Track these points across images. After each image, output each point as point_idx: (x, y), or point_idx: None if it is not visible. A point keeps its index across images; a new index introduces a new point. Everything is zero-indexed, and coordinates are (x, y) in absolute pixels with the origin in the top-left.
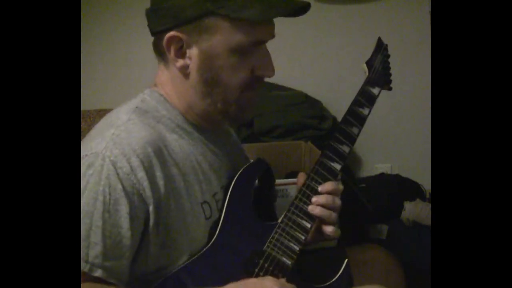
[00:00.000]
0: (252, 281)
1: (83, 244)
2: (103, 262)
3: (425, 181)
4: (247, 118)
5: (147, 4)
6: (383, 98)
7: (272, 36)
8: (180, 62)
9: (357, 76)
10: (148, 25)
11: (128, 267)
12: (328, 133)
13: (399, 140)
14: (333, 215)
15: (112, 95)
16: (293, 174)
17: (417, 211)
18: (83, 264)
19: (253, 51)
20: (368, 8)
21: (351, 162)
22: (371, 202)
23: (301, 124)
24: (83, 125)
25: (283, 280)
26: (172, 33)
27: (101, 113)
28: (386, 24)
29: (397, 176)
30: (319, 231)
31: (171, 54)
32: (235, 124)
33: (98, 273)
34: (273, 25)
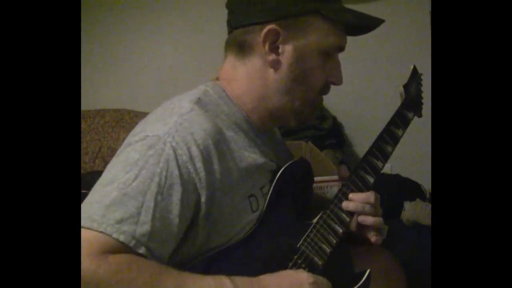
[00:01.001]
0: (288, 273)
1: (132, 219)
2: (148, 241)
3: (425, 181)
4: (312, 120)
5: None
6: (383, 98)
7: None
8: (273, 56)
9: (356, 75)
10: (232, 18)
11: (169, 252)
12: (328, 133)
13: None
14: (368, 210)
15: (112, 95)
16: None
17: (417, 211)
18: (129, 238)
19: (332, 58)
20: (368, 8)
21: (351, 162)
22: None
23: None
24: (83, 125)
25: (316, 275)
26: (272, 26)
27: (101, 113)
28: (386, 24)
29: (397, 176)
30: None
31: (266, 47)
32: (301, 125)
33: (142, 250)
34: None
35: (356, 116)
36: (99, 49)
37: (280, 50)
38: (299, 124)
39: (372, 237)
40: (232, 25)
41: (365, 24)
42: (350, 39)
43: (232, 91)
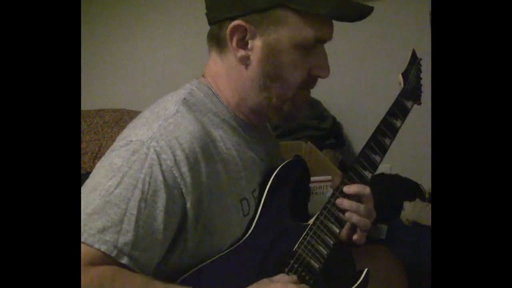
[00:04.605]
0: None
1: (114, 228)
2: (131, 251)
3: (425, 181)
4: (299, 118)
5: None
6: (383, 98)
7: (331, 37)
8: (241, 53)
9: (356, 76)
10: (208, 13)
11: (156, 260)
12: (328, 133)
13: (399, 140)
14: (361, 222)
15: (112, 95)
16: None
17: (417, 211)
18: (111, 248)
19: (314, 50)
20: None
21: (351, 162)
22: None
23: (301, 124)
24: (82, 125)
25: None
26: (238, 21)
27: (101, 113)
28: (386, 24)
29: (397, 176)
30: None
31: (233, 43)
32: (286, 123)
33: (124, 260)
34: (333, 26)
35: (355, 116)
36: (99, 49)
37: (249, 46)
38: (285, 122)
39: (354, 235)
40: (209, 21)
41: (346, 16)
42: (350, 41)
43: (218, 88)
